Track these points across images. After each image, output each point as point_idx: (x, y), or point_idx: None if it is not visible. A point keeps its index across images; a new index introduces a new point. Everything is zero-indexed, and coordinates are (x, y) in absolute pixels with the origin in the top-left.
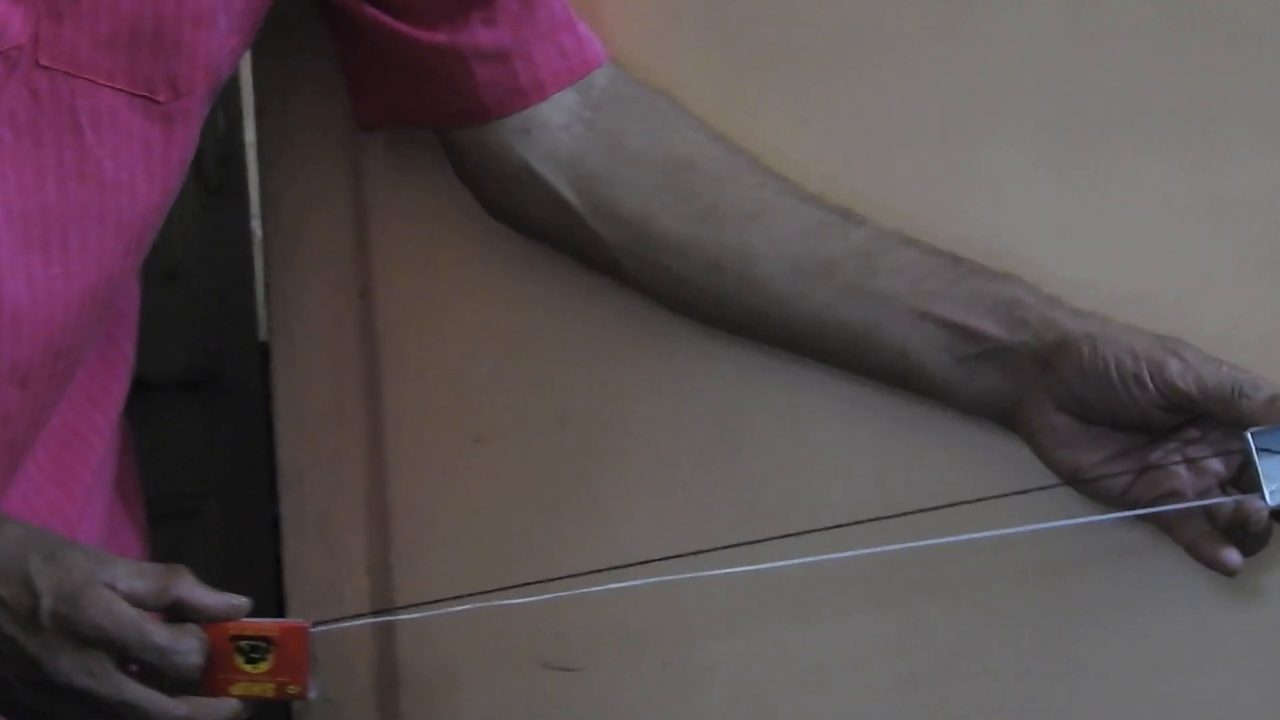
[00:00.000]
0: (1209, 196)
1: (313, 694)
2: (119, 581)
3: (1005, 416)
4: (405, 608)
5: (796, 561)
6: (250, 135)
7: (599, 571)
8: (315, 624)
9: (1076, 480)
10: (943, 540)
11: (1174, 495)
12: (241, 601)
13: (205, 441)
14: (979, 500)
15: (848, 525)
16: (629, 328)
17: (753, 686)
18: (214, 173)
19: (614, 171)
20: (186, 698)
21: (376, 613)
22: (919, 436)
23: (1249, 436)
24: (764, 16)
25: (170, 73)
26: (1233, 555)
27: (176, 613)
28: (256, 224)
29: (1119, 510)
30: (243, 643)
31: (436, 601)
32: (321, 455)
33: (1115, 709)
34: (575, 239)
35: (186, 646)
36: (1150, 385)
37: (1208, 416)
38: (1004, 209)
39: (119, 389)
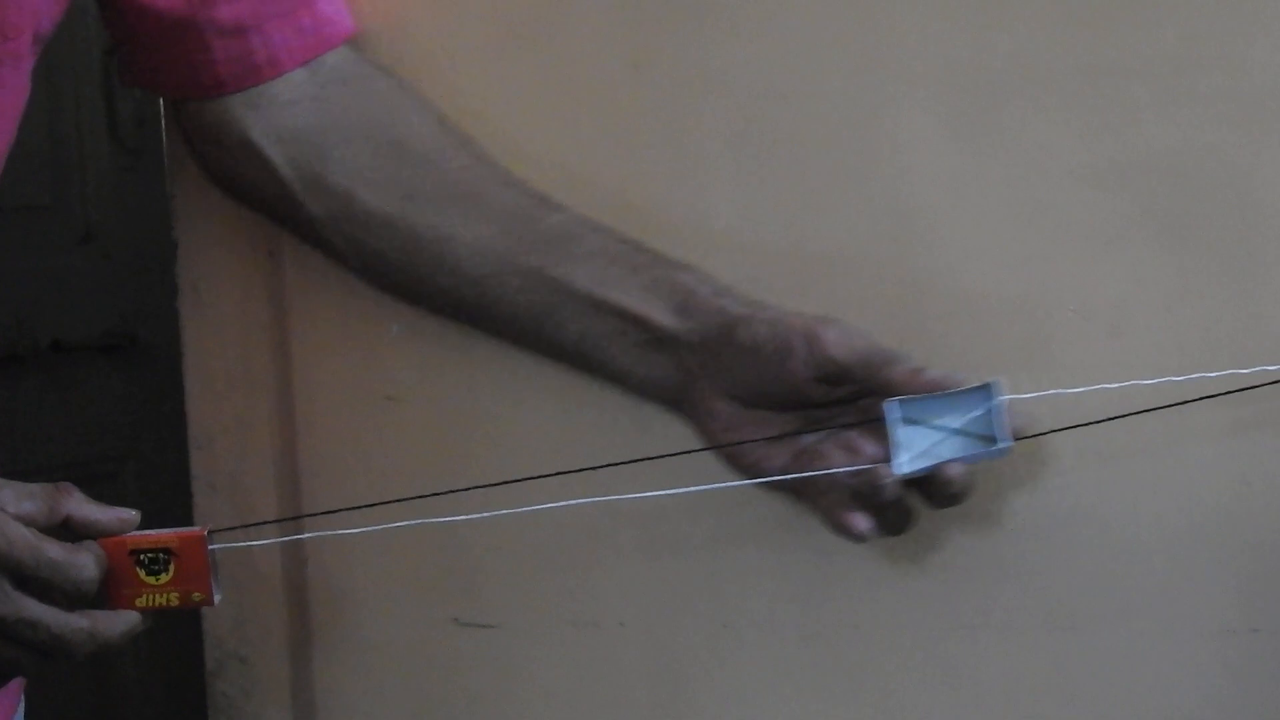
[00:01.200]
0: (1109, 159)
1: (217, 598)
2: (7, 504)
3: (676, 403)
4: (306, 517)
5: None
6: None
7: (496, 486)
8: (211, 531)
9: (739, 463)
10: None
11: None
12: (130, 514)
13: (124, 404)
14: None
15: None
16: None
17: (661, 643)
18: (130, 133)
19: (327, 147)
20: (86, 611)
21: (277, 520)
22: None
23: (886, 406)
24: None
25: None
26: (859, 520)
27: (69, 531)
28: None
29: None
30: (143, 555)
31: (336, 511)
32: (231, 416)
33: (1019, 661)
34: (288, 210)
35: (82, 560)
36: (802, 356)
37: (867, 400)
38: (907, 171)
39: None
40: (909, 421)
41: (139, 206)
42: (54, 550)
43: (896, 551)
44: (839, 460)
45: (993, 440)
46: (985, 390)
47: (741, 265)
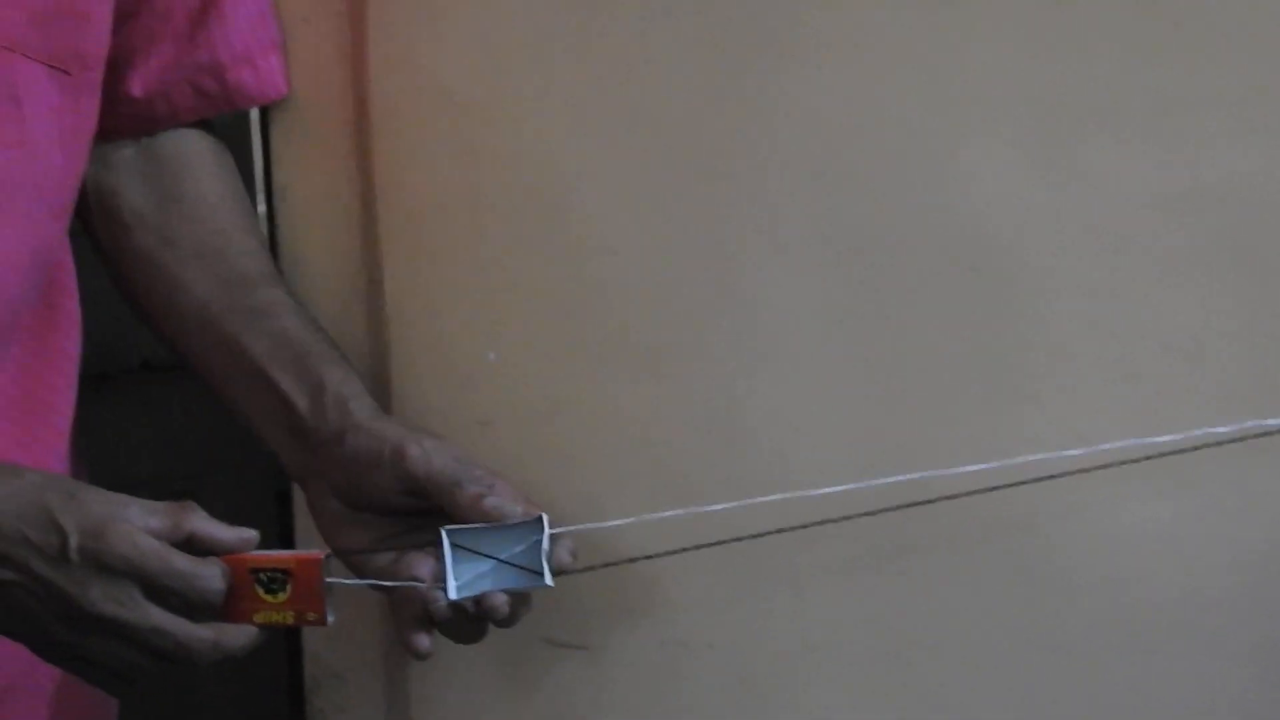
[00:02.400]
0: (1183, 189)
1: (330, 619)
2: (134, 519)
3: (305, 490)
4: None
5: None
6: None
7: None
8: (328, 555)
9: (348, 560)
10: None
11: (417, 582)
12: (251, 534)
13: (209, 423)
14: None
15: (826, 491)
16: (624, 318)
17: (746, 664)
18: None
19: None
20: (211, 623)
21: (388, 547)
22: (904, 417)
23: (443, 533)
24: (752, 10)
25: (79, 47)
26: (420, 640)
27: (192, 547)
28: (260, 207)
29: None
30: (262, 574)
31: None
32: None
33: (1101, 690)
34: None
35: (209, 572)
36: (389, 470)
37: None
38: (983, 201)
39: (71, 349)
40: (459, 549)
41: None
42: (182, 562)
43: (976, 571)
44: (424, 572)
45: (538, 573)
46: (535, 524)
47: (816, 297)
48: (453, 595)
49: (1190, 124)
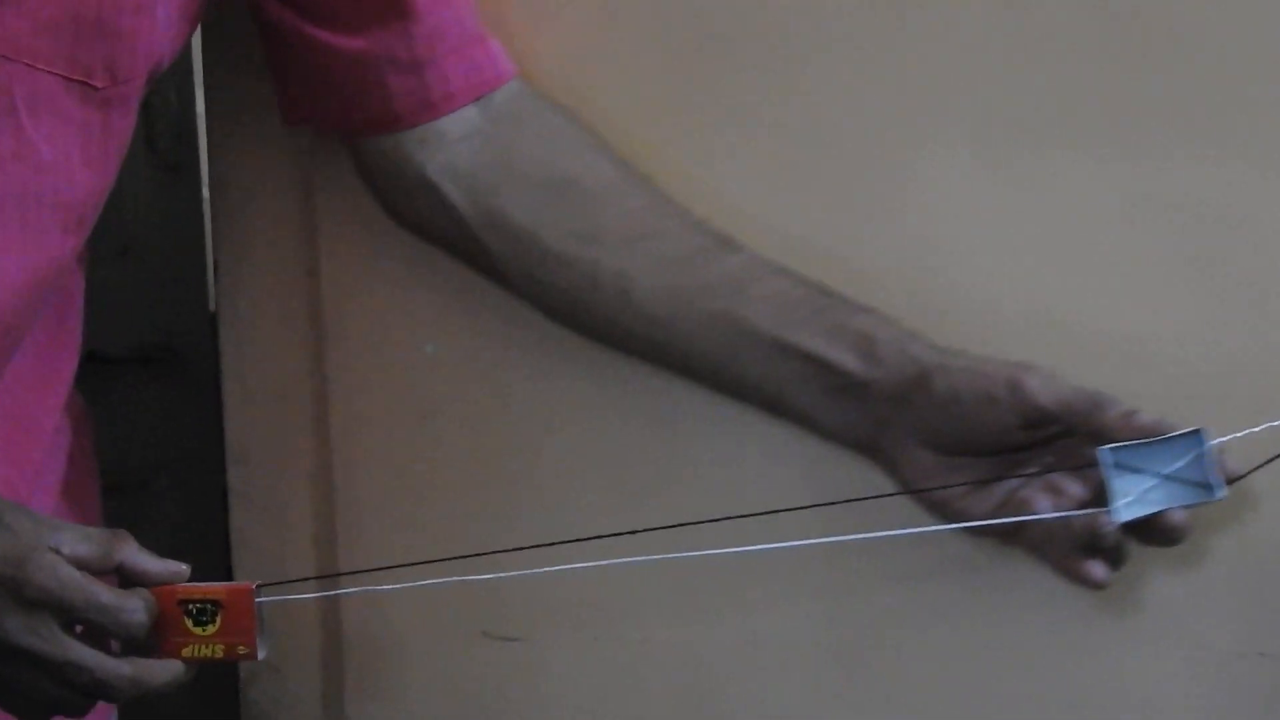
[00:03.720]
0: (1139, 196)
1: (261, 654)
2: (64, 546)
3: (867, 449)
4: (347, 574)
5: (729, 550)
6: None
7: (539, 547)
8: (259, 585)
9: (944, 510)
10: (868, 536)
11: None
12: (181, 568)
13: (159, 416)
14: (904, 494)
15: (778, 511)
16: None
17: (686, 660)
18: (168, 148)
19: (503, 186)
20: (131, 658)
21: (320, 576)
22: None
23: (1100, 453)
24: (705, 16)
25: (110, 59)
26: (1096, 569)
27: (121, 578)
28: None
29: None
30: (191, 606)
31: (378, 570)
32: (269, 431)
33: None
34: (467, 247)
35: (131, 605)
36: (1006, 405)
37: (1064, 441)
38: (939, 206)
39: (68, 369)
40: (1121, 468)
41: (176, 220)
42: (105, 595)
43: (932, 562)
44: (1044, 503)
45: (1205, 486)
46: (1195, 436)
47: None
48: (1123, 517)
49: (1148, 130)
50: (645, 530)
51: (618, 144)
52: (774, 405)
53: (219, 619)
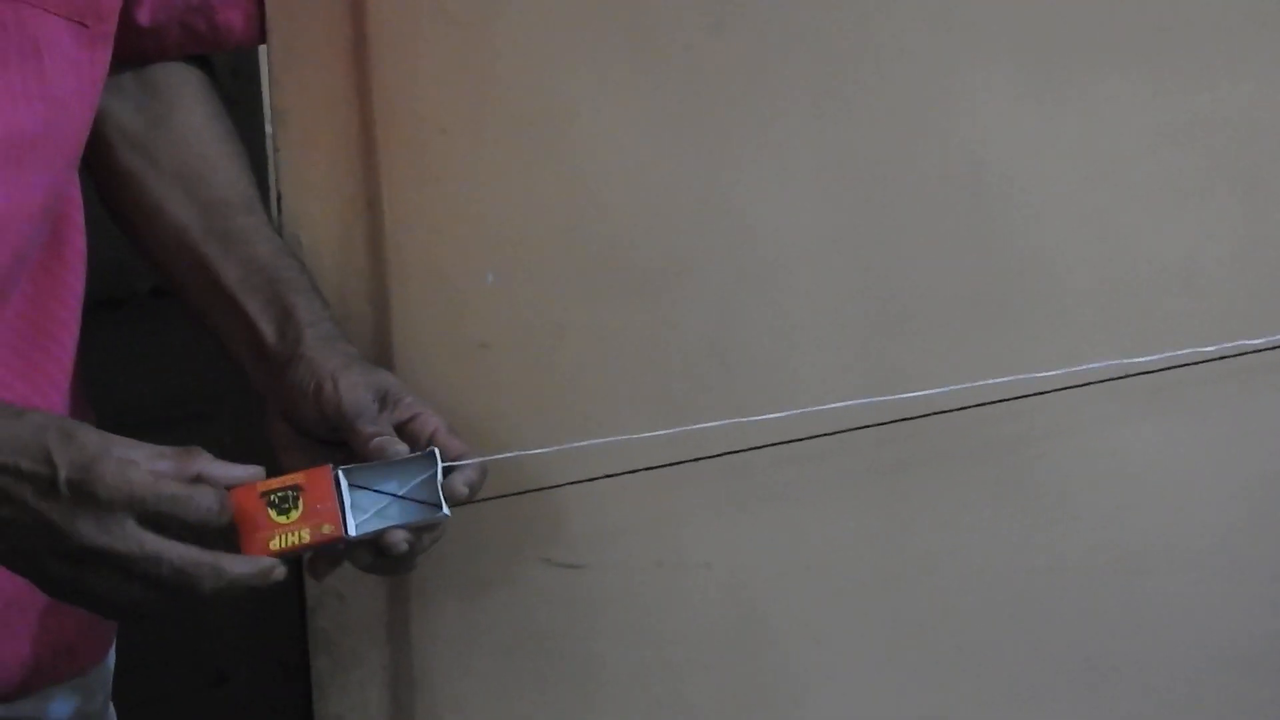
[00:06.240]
0: (1179, 115)
1: (352, 532)
2: (140, 460)
3: (266, 412)
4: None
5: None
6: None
7: (595, 479)
8: (337, 465)
9: None
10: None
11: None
12: (257, 469)
13: (220, 349)
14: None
15: (815, 410)
16: (622, 242)
17: (743, 582)
18: (227, 85)
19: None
20: (211, 552)
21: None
22: (900, 338)
23: (339, 473)
24: None
25: (96, 0)
26: (319, 570)
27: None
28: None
29: None
30: (273, 495)
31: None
32: None
33: (1096, 606)
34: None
35: (202, 493)
36: (312, 403)
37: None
38: (981, 126)
39: (77, 284)
40: (357, 487)
41: None
42: (174, 486)
43: (970, 489)
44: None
45: (436, 505)
46: (428, 459)
47: (814, 220)
48: (353, 532)
49: (1187, 51)
50: (698, 459)
51: (658, 71)
52: (230, 355)
53: (300, 503)
